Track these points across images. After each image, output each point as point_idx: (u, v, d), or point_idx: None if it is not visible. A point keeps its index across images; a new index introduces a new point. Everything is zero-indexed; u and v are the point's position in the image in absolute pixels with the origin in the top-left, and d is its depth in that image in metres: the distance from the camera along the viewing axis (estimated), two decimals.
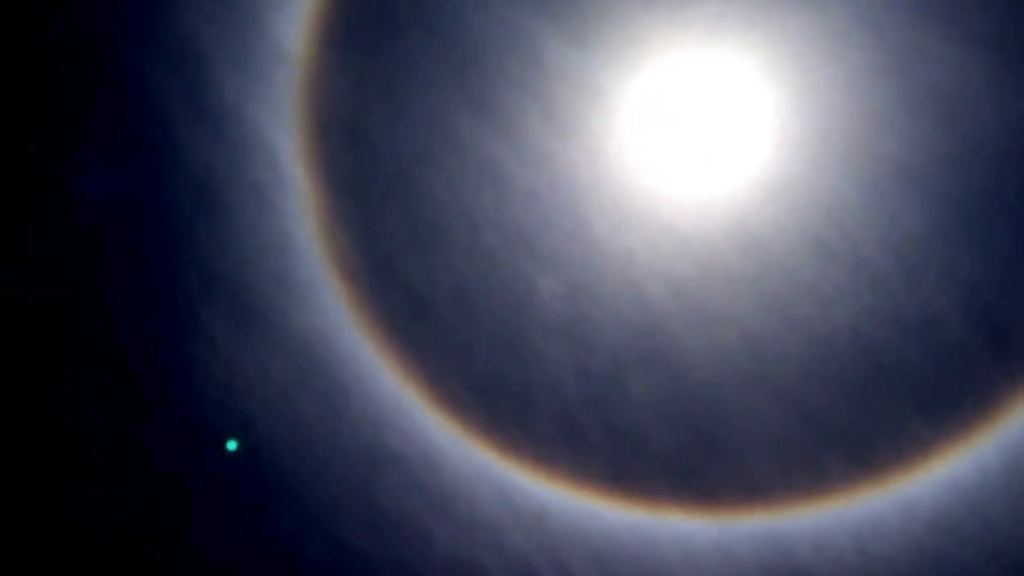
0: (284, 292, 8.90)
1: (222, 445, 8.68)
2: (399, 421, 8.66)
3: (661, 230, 8.44)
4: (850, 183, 8.28)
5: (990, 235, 8.13)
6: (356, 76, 8.91)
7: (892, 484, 8.20)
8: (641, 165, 8.57)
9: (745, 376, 8.36)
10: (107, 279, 8.96)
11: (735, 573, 8.25)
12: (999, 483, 8.01)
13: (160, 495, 8.79)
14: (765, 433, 8.32)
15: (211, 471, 8.67)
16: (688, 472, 8.45)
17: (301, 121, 8.99)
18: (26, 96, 9.06)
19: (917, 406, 8.18)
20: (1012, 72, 8.00)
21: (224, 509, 8.65)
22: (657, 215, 8.47)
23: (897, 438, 8.21)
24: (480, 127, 8.61)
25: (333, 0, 8.99)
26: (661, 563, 8.34)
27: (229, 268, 8.98)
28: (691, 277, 8.40)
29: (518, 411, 8.63)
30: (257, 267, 8.93)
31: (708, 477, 8.40)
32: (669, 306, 8.41)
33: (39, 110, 9.00)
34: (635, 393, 8.45)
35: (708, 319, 8.41)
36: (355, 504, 8.57)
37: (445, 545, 8.45)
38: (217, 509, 8.65)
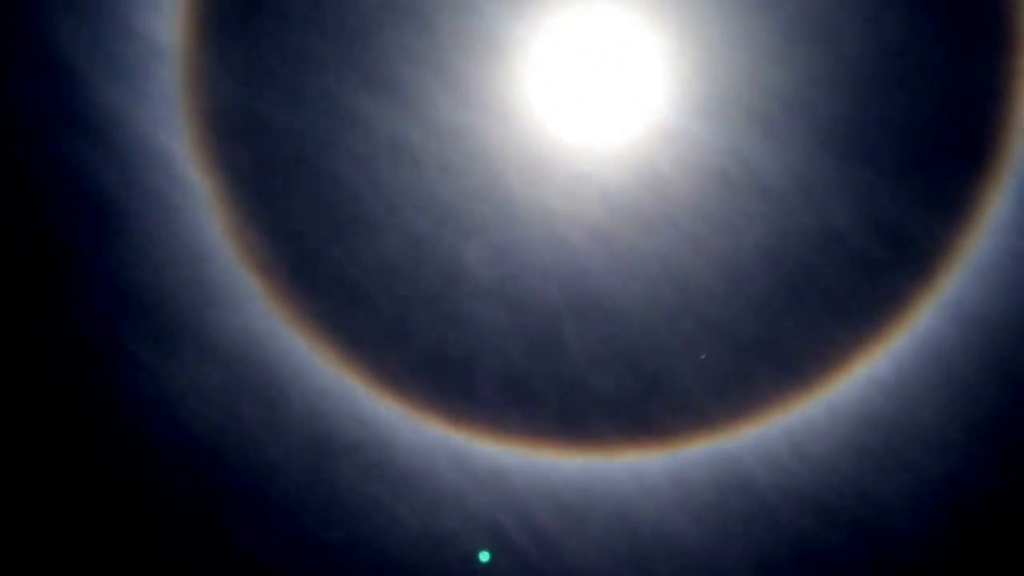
0: (203, 298, 8.64)
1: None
2: (346, 409, 8.65)
3: (575, 181, 8.66)
4: (742, 114, 8.69)
5: (876, 148, 8.73)
6: (241, 65, 8.61)
7: (819, 389, 8.84)
8: (546, 121, 8.73)
9: (672, 309, 8.76)
10: (14, 309, 8.49)
11: (689, 496, 8.76)
12: (913, 373, 8.75)
13: (115, 520, 8.54)
14: (698, 360, 8.79)
15: (165, 487, 8.46)
16: (633, 410, 8.83)
17: (191, 120, 8.66)
18: None
19: (831, 314, 8.80)
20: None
21: (184, 525, 8.48)
22: (569, 167, 8.68)
23: (818, 346, 8.83)
24: (382, 104, 8.53)
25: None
26: (620, 500, 8.74)
27: (141, 282, 8.64)
28: (608, 222, 8.68)
29: (462, 378, 8.77)
30: (171, 276, 8.63)
31: (652, 411, 8.82)
32: (592, 253, 8.69)
33: None
34: (572, 342, 8.74)
35: (629, 260, 8.74)
36: (317, 498, 8.57)
37: (412, 522, 8.59)
38: (178, 524, 8.47)
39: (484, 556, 8.63)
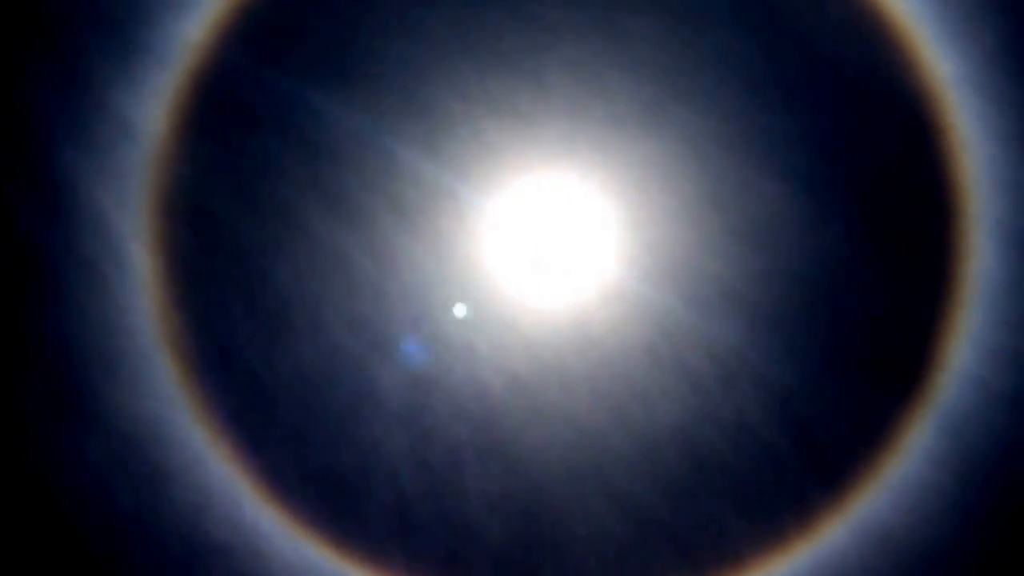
0: (109, 372, 8.56)
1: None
2: (226, 511, 8.37)
3: (504, 328, 8.75)
4: (677, 297, 8.89)
5: (800, 350, 8.88)
6: (207, 161, 8.91)
7: None
8: (489, 268, 8.93)
9: (576, 471, 8.64)
10: None
11: None
12: None
13: None
14: (594, 528, 8.58)
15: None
16: (519, 565, 8.56)
17: (144, 199, 8.85)
18: None
19: (736, 508, 8.68)
20: (821, 207, 8.94)
21: None
22: (501, 314, 8.80)
23: (717, 537, 8.65)
24: (330, 220, 8.75)
25: (189, 87, 9.04)
26: None
27: (48, 344, 8.59)
28: (530, 374, 8.71)
29: (351, 502, 8.54)
30: (81, 345, 8.58)
31: (539, 570, 8.54)
32: (508, 401, 8.66)
33: None
34: (470, 486, 8.56)
35: (544, 415, 8.70)
36: None
37: None
38: None
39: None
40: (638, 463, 8.67)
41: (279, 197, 8.81)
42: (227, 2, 9.30)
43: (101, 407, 8.35)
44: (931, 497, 8.93)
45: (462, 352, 8.69)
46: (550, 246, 9.15)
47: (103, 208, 8.55)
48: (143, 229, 8.65)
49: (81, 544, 8.21)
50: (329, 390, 8.59)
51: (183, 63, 9.12)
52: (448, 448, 8.61)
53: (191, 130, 8.93)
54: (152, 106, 8.94)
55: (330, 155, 8.94)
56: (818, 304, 9.04)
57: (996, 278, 9.23)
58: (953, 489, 8.93)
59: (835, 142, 9.34)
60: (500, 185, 9.03)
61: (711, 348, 8.83)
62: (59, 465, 8.24)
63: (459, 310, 8.61)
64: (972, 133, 9.43)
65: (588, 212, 9.12)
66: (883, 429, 9.10)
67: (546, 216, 9.17)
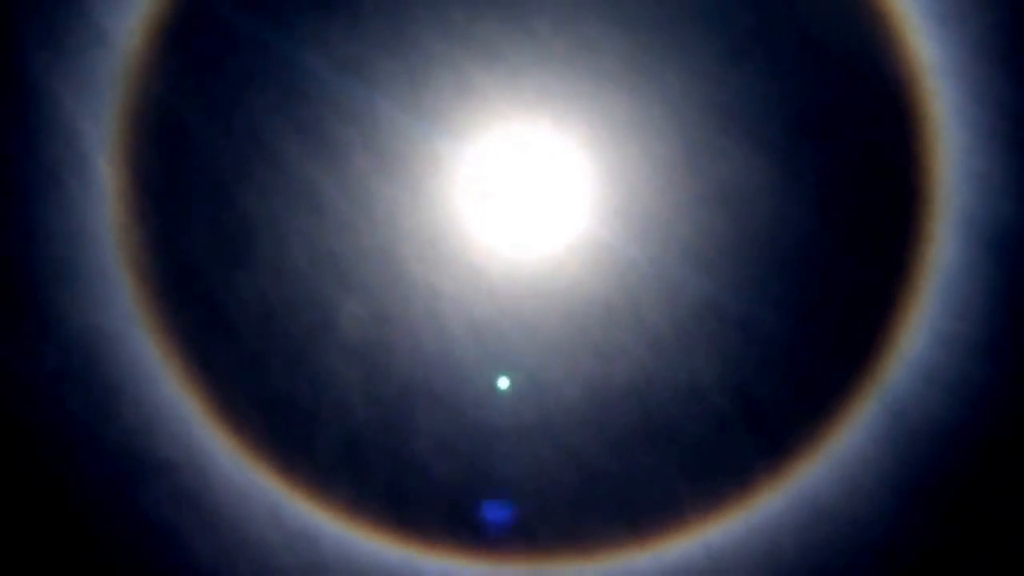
0: (66, 284, 8.48)
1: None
2: (173, 428, 8.38)
3: (468, 273, 8.77)
4: (642, 255, 8.95)
5: (755, 319, 8.99)
6: (185, 81, 8.78)
7: (651, 542, 8.75)
8: (458, 212, 8.92)
9: (525, 420, 8.74)
10: None
11: None
12: (743, 551, 8.73)
13: None
14: (539, 476, 8.70)
15: None
16: (462, 510, 8.67)
17: (116, 111, 8.72)
18: None
19: (679, 467, 8.82)
20: (792, 174, 9.00)
21: None
22: (466, 258, 8.81)
23: (659, 496, 8.80)
24: (302, 151, 8.68)
25: (172, 5, 8.88)
26: None
27: (3, 251, 8.49)
28: (490, 320, 8.76)
29: (301, 431, 8.58)
30: (39, 254, 8.49)
31: (478, 516, 8.66)
32: (465, 344, 8.71)
33: None
34: (420, 424, 8.63)
35: (499, 361, 8.77)
36: (115, 510, 8.18)
37: (207, 559, 8.19)
38: None
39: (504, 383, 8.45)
40: (587, 416, 8.77)
41: (253, 120, 8.72)
42: None
43: (55, 317, 8.29)
44: (870, 474, 9.12)
45: (423, 291, 8.71)
46: (522, 194, 9.16)
47: (71, 116, 8.42)
48: (111, 141, 8.55)
49: (27, 451, 8.21)
50: (287, 317, 8.59)
51: None
52: (400, 385, 8.67)
53: (168, 44, 8.79)
54: (129, 15, 8.79)
55: (308, 84, 8.85)
56: (778, 276, 9.14)
57: (954, 266, 9.36)
58: (892, 468, 9.13)
59: (812, 117, 9.39)
60: (476, 129, 9.00)
61: (671, 310, 8.92)
62: (10, 373, 8.20)
63: (503, 382, 8.69)
64: (948, 121, 9.52)
65: (563, 163, 9.13)
66: (829, 403, 9.26)
67: (520, 164, 9.17)
